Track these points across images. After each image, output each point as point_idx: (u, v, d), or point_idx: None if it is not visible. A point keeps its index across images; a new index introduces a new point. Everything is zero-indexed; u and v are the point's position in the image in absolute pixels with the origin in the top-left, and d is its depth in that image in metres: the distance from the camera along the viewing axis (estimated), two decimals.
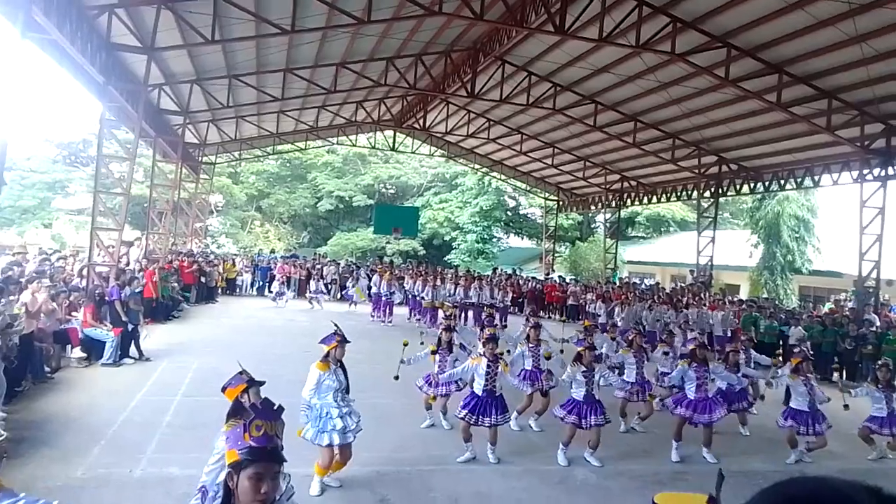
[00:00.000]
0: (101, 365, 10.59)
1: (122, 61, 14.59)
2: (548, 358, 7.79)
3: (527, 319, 11.03)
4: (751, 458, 8.37)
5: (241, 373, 4.50)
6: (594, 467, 7.38)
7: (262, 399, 2.68)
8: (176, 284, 17.75)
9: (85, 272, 13.23)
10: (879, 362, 9.35)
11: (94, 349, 10.84)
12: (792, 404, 8.39)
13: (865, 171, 16.92)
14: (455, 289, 19.39)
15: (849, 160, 17.80)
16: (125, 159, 16.01)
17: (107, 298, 11.74)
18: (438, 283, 19.37)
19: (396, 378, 7.87)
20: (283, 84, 19.07)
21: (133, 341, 11.38)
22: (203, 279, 20.56)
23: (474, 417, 7.08)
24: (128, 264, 15.50)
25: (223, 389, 4.44)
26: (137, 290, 12.51)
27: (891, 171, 16.39)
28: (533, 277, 28.63)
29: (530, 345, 8.88)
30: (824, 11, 12.18)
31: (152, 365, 10.95)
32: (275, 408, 2.48)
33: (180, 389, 9.32)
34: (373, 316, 19.38)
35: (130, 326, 11.37)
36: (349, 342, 6.29)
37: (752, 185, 22.10)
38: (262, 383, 4.47)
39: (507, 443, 7.80)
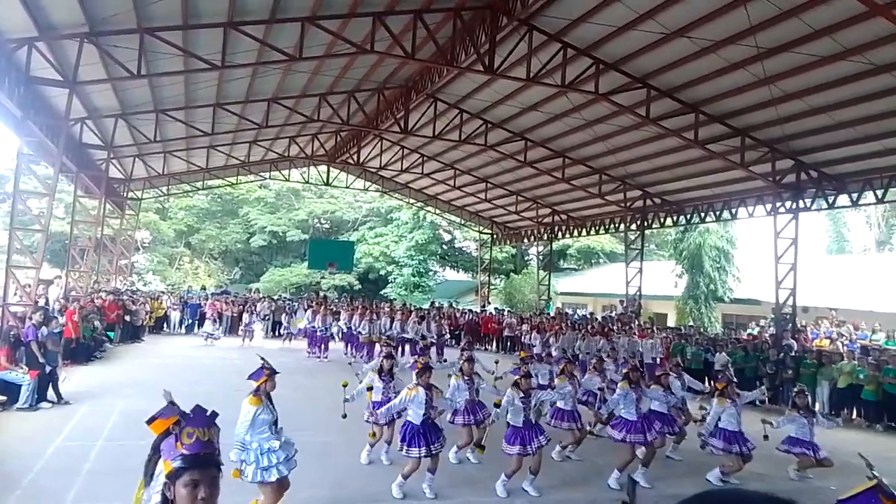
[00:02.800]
0: (17, 409, 10.03)
1: (41, 95, 14.08)
2: (497, 406, 7.78)
3: (462, 351, 11.07)
4: (683, 481, 8.60)
5: (171, 403, 4.36)
6: (533, 497, 7.44)
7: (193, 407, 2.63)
8: (98, 324, 17.02)
9: None
10: (795, 389, 9.79)
11: (9, 393, 10.25)
12: (721, 425, 8.73)
13: (778, 205, 17.91)
14: (391, 323, 19.33)
15: (762, 194, 18.84)
16: (44, 195, 15.37)
17: (22, 339, 11.13)
18: (375, 317, 19.29)
19: (344, 416, 7.76)
20: (213, 119, 18.80)
21: (51, 384, 10.81)
22: (128, 318, 19.80)
23: (421, 450, 7.00)
24: (46, 303, 14.78)
25: (150, 421, 4.28)
26: (56, 331, 11.93)
27: (801, 204, 17.43)
28: (469, 310, 28.85)
29: (465, 378, 8.89)
30: (735, 55, 13.00)
31: (72, 408, 10.43)
32: (207, 414, 2.44)
33: (103, 434, 8.90)
34: (309, 352, 19.08)
35: (48, 368, 10.79)
36: (278, 373, 6.20)
37: (674, 218, 23.07)
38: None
39: (447, 476, 7.78)
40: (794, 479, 8.98)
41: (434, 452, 7.09)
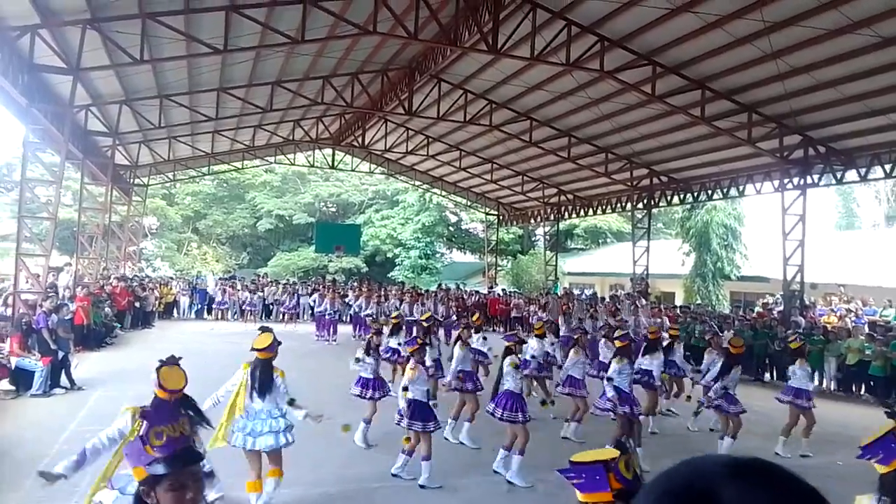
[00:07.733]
0: (31, 396, 10.17)
1: (46, 82, 14.12)
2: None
3: (467, 329, 11.11)
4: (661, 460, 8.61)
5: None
6: (538, 478, 7.44)
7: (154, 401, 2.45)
8: (108, 310, 17.17)
9: (10, 300, 12.67)
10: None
11: (22, 380, 10.39)
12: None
13: (786, 181, 17.79)
14: (400, 305, 19.40)
15: (770, 170, 18.72)
16: (51, 183, 15.46)
17: (34, 326, 11.25)
18: (382, 299, 19.38)
19: (357, 360, 8.28)
20: (217, 103, 18.78)
21: (64, 370, 10.94)
22: (138, 304, 19.95)
23: (416, 423, 6.97)
24: (56, 290, 14.91)
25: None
26: (67, 318, 12.05)
27: (809, 179, 17.30)
28: (476, 291, 28.91)
29: (466, 347, 9.07)
30: (742, 30, 12.84)
31: (85, 394, 10.56)
32: (169, 404, 2.26)
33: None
34: (317, 336, 19.18)
35: (60, 355, 10.92)
36: (280, 344, 6.40)
37: (681, 196, 22.96)
38: (179, 359, 4.50)
39: (457, 456, 7.85)
40: (809, 456, 8.99)
41: (426, 430, 6.99)
